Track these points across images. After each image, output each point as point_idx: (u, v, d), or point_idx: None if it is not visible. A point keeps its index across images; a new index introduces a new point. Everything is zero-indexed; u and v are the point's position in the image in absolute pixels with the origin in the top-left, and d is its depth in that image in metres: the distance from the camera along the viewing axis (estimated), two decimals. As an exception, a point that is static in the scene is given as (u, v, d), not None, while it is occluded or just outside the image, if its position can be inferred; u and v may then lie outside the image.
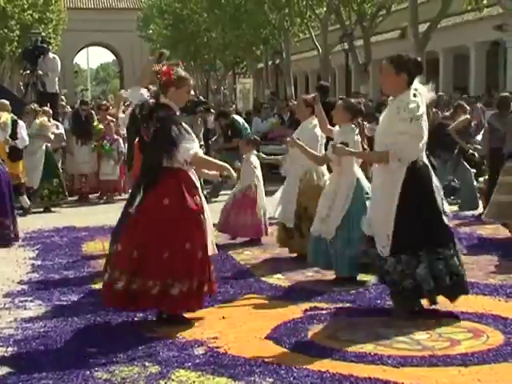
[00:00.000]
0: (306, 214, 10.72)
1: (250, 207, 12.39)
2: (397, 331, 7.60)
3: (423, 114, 7.80)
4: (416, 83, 7.97)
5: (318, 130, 10.61)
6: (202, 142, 19.10)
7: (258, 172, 12.84)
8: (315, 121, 10.79)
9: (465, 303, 8.54)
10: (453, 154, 16.54)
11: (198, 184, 7.97)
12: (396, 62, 8.01)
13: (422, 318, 7.99)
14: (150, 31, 63.76)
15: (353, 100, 10.13)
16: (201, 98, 26.17)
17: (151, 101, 8.04)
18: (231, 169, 8.12)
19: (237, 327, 7.82)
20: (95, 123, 20.28)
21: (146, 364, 6.71)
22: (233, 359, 6.82)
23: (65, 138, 19.24)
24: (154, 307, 7.98)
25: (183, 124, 7.78)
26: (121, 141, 19.29)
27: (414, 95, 7.85)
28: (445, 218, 8.07)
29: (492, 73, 38.92)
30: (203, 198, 8.13)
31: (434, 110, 16.01)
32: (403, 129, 7.72)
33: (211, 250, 8.14)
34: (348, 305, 8.58)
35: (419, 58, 8.32)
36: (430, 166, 8.12)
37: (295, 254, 11.10)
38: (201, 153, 7.92)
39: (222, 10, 47.13)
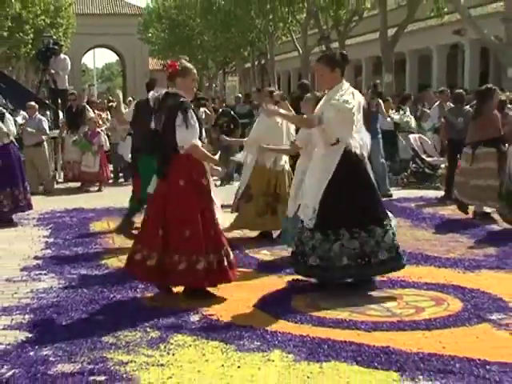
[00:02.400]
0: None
1: None
2: (369, 300, 7.64)
3: (354, 105, 7.84)
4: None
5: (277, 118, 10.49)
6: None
7: None
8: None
9: (428, 275, 8.59)
10: None
11: (207, 168, 7.87)
12: (329, 60, 8.10)
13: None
14: (150, 34, 63.70)
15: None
16: (198, 92, 26.21)
17: (162, 91, 8.02)
18: (219, 168, 8.21)
19: (227, 297, 7.83)
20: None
21: (148, 330, 6.72)
22: (224, 325, 6.85)
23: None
24: (183, 283, 7.91)
25: (192, 112, 7.68)
26: (102, 135, 19.03)
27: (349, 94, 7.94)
28: (378, 197, 8.16)
29: (452, 72, 39.00)
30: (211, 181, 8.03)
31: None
32: (336, 110, 7.78)
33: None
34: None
35: (344, 52, 8.39)
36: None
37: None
38: (199, 144, 7.86)
39: (213, 16, 47.23)
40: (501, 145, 12.31)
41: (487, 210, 12.71)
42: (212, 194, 7.85)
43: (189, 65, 8.01)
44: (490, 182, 12.15)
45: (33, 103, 17.68)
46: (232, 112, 20.88)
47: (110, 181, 20.09)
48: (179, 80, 7.83)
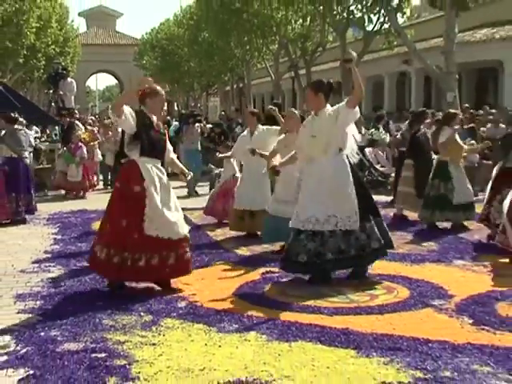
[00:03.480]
0: None
1: (233, 196, 11.55)
2: (331, 289, 7.63)
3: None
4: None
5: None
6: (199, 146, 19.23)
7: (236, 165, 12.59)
8: (261, 127, 10.79)
9: (381, 267, 8.59)
10: None
11: (151, 174, 7.49)
12: (315, 86, 8.16)
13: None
14: (144, 61, 63.84)
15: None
16: (194, 110, 26.50)
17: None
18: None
19: (210, 286, 7.81)
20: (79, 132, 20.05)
21: (142, 314, 6.71)
22: (207, 310, 6.84)
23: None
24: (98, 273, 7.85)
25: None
26: (84, 148, 18.78)
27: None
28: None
29: (400, 95, 39.23)
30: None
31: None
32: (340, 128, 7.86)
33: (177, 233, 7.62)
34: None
35: (331, 81, 8.38)
36: None
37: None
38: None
39: (198, 46, 47.34)
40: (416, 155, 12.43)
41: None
42: (148, 201, 7.43)
43: (158, 88, 7.81)
44: (410, 190, 12.27)
45: None
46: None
47: (100, 186, 20.33)
48: (148, 101, 7.70)
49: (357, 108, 7.89)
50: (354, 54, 8.23)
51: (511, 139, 10.39)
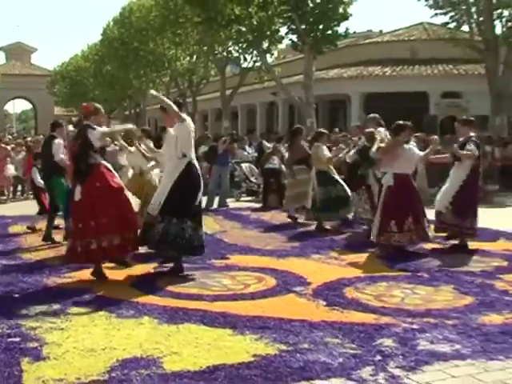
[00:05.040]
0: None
1: None
2: (212, 280, 7.65)
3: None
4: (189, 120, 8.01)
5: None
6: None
7: None
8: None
9: (253, 261, 8.68)
10: None
11: (114, 172, 7.83)
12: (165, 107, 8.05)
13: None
14: (55, 89, 62.30)
15: None
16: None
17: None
18: None
19: (111, 279, 7.70)
20: None
21: (52, 304, 6.54)
22: (108, 299, 6.74)
23: None
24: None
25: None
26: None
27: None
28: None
29: (270, 120, 39.67)
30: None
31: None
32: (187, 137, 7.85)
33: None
34: (186, 264, 8.52)
35: (180, 100, 8.52)
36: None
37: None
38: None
39: (102, 77, 46.64)
40: (309, 162, 12.56)
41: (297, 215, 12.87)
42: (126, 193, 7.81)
43: (99, 106, 7.95)
44: (306, 189, 12.32)
45: None
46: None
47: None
48: (93, 118, 7.71)
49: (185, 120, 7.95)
50: (155, 92, 8.47)
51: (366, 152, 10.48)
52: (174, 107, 7.86)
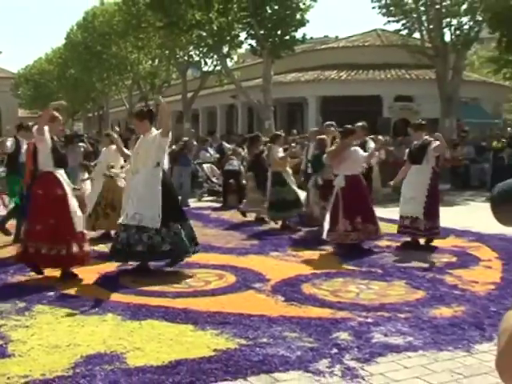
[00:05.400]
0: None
1: None
2: (173, 277, 7.62)
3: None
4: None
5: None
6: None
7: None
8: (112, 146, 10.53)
9: (214, 259, 8.67)
10: None
11: (62, 180, 7.59)
12: (139, 115, 8.13)
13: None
14: (19, 92, 61.37)
15: None
16: (78, 132, 25.41)
17: None
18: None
19: (73, 278, 7.61)
20: None
21: (16, 302, 6.44)
22: (73, 297, 6.68)
23: None
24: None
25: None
26: None
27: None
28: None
29: (230, 122, 39.70)
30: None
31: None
32: (157, 148, 7.82)
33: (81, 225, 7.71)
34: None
35: (153, 108, 8.50)
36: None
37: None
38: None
39: (65, 80, 46.06)
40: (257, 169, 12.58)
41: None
42: (69, 201, 7.53)
43: (57, 114, 7.80)
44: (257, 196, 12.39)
45: None
46: None
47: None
48: (50, 124, 7.61)
49: (169, 135, 7.98)
50: (162, 99, 8.24)
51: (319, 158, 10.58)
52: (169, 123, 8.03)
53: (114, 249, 7.93)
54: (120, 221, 7.99)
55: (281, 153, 11.81)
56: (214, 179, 18.39)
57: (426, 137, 9.78)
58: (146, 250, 7.70)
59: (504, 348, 1.27)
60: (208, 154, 19.77)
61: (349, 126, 9.63)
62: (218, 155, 19.44)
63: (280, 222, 11.82)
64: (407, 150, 10.01)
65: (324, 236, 9.51)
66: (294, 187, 11.76)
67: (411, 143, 10.08)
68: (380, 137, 10.91)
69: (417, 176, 9.60)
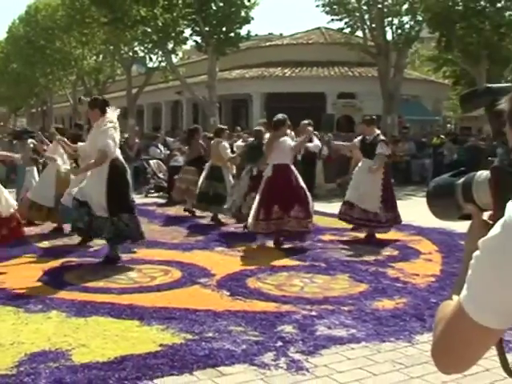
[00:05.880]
0: None
1: None
2: (119, 273, 7.55)
3: (113, 130, 7.94)
4: (113, 116, 8.08)
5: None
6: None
7: None
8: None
9: (159, 254, 8.62)
10: None
11: None
12: (92, 103, 8.27)
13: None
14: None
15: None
16: (27, 128, 24.69)
17: None
18: None
19: (18, 274, 7.45)
20: None
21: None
22: (16, 295, 6.53)
23: None
24: None
25: None
26: None
27: (111, 122, 8.00)
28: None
29: (175, 118, 39.50)
30: None
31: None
32: (103, 137, 7.81)
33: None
34: (90, 258, 8.41)
35: (105, 97, 8.57)
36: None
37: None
38: None
39: (8, 75, 44.92)
40: (200, 164, 12.58)
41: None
42: None
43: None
44: (193, 188, 12.29)
45: None
46: None
47: None
48: None
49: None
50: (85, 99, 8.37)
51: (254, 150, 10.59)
52: None
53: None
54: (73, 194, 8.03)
55: (228, 151, 11.82)
56: (160, 175, 18.27)
57: (378, 132, 10.06)
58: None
59: (439, 337, 1.31)
60: (158, 150, 19.65)
61: (280, 117, 9.54)
62: (168, 152, 19.35)
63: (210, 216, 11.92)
64: (359, 143, 10.14)
65: (248, 226, 9.52)
66: (228, 185, 11.79)
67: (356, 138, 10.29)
68: (310, 128, 10.84)
69: (368, 173, 9.80)
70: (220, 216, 11.82)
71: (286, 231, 9.25)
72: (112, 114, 8.14)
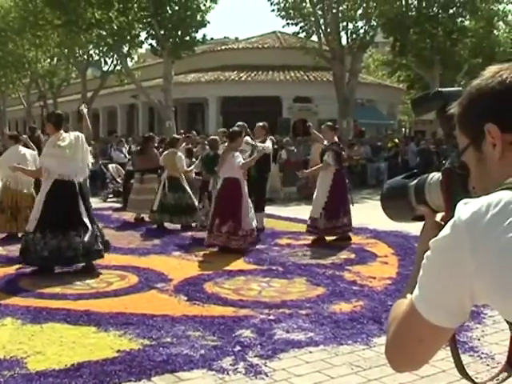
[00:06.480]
0: None
1: None
2: (75, 279, 7.46)
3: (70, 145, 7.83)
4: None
5: None
6: None
7: None
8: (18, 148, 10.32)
9: (115, 259, 8.54)
10: None
11: None
12: (47, 116, 8.46)
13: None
14: None
15: None
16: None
17: None
18: None
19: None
20: None
21: None
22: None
23: None
24: None
25: None
26: None
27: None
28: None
29: (130, 122, 39.24)
30: None
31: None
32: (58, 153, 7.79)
33: None
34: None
35: (60, 112, 8.64)
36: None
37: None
38: None
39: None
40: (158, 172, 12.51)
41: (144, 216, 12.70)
42: None
43: None
44: (150, 197, 12.20)
45: None
46: None
47: None
48: None
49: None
50: (85, 109, 8.25)
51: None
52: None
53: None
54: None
55: (184, 163, 11.78)
56: (119, 179, 18.09)
57: (336, 140, 10.15)
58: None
59: (392, 335, 1.33)
60: (122, 155, 19.49)
61: (236, 129, 9.61)
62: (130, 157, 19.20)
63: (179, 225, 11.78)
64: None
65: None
66: (191, 193, 11.76)
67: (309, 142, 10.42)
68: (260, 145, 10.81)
69: (321, 176, 9.97)
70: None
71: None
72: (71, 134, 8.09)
